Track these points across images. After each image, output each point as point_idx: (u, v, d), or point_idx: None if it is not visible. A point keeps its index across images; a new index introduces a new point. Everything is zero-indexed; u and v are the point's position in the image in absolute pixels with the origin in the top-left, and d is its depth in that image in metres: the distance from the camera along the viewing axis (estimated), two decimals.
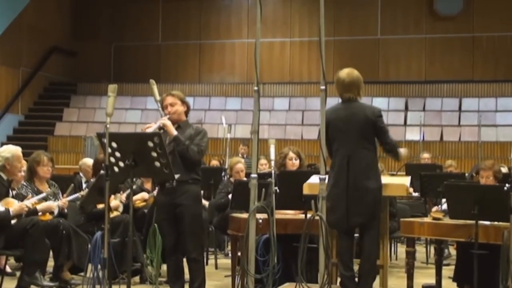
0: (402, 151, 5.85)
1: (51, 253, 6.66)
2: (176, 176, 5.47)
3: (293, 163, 7.04)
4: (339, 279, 6.00)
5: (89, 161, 8.77)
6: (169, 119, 5.73)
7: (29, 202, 6.62)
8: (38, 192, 6.98)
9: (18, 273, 6.95)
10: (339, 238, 5.55)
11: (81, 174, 8.73)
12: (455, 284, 6.75)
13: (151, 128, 5.60)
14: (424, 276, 7.87)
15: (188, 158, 5.66)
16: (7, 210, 6.30)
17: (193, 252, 5.74)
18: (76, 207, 7.34)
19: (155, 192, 7.48)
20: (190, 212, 5.69)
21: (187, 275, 5.97)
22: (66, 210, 7.06)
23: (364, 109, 5.64)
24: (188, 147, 5.64)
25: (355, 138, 5.47)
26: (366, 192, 5.45)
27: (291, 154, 7.07)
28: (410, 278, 6.56)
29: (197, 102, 18.73)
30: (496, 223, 5.89)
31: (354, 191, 5.42)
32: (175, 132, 5.65)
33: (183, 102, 5.87)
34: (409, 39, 19.06)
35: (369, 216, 5.51)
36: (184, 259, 6.00)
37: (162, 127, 5.65)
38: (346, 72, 5.70)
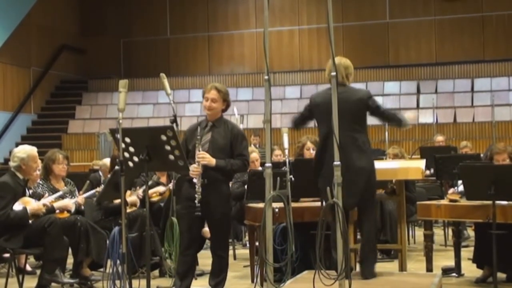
0: (406, 116, 5.87)
1: (70, 250, 6.70)
2: (191, 167, 5.48)
3: (311, 153, 7.02)
4: (358, 265, 6.00)
5: (108, 162, 8.80)
6: (207, 110, 5.69)
7: (46, 201, 6.66)
8: (54, 190, 7.01)
9: (38, 272, 7.00)
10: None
11: (100, 173, 8.77)
12: (474, 265, 6.74)
13: (196, 169, 5.51)
14: (443, 258, 7.85)
15: (233, 174, 5.69)
16: (25, 209, 6.33)
17: (218, 250, 5.74)
18: (93, 203, 7.37)
19: (170, 185, 7.51)
20: (220, 211, 5.65)
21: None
22: (83, 207, 7.09)
23: (355, 93, 5.63)
24: (232, 167, 5.61)
25: (346, 121, 5.42)
26: (357, 173, 5.40)
27: (309, 144, 7.06)
28: (429, 261, 6.55)
29: None
30: None
31: (346, 172, 5.35)
32: (213, 162, 5.54)
33: (225, 100, 5.78)
34: (418, 22, 18.96)
35: (359, 196, 5.46)
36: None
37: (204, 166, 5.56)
38: (338, 58, 5.67)
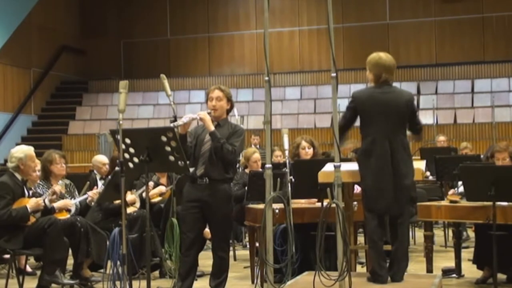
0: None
1: (70, 251, 6.70)
2: (191, 169, 5.49)
3: (306, 152, 7.07)
4: (358, 266, 6.00)
5: (100, 158, 8.74)
6: (209, 114, 5.64)
7: (47, 200, 6.65)
8: None
9: (38, 273, 7.00)
10: (372, 226, 5.37)
11: (95, 171, 8.75)
12: (475, 266, 6.74)
13: (187, 117, 5.51)
14: (444, 259, 7.85)
15: (222, 156, 5.57)
16: (25, 207, 6.33)
17: (220, 250, 5.75)
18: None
19: (170, 186, 7.51)
20: (221, 212, 5.66)
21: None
22: (92, 203, 7.08)
23: (402, 94, 5.57)
24: (223, 145, 5.54)
25: (396, 124, 5.39)
26: (406, 178, 5.35)
27: (304, 143, 7.10)
28: (429, 262, 6.54)
29: None
30: None
31: (398, 177, 5.31)
32: (212, 128, 5.55)
33: (229, 100, 5.77)
34: (418, 23, 18.95)
35: (408, 201, 5.42)
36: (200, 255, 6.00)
37: (200, 119, 5.59)
38: (385, 54, 5.67)
